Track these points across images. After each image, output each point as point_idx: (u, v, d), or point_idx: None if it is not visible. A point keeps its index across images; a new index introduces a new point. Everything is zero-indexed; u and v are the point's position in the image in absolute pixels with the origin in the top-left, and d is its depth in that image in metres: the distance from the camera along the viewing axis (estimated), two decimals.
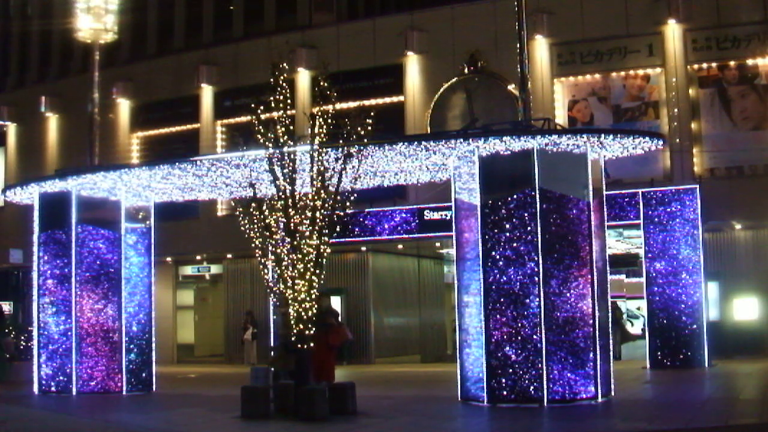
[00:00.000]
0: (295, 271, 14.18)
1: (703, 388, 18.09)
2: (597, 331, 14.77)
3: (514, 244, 14.79)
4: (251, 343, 27.70)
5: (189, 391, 19.76)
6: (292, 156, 14.34)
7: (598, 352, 14.72)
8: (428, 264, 31.31)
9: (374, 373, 21.28)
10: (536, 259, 14.64)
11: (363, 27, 29.26)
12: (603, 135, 15.54)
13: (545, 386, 14.42)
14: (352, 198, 14.73)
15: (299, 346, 14.28)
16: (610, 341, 20.39)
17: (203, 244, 30.03)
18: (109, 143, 29.99)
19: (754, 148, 24.64)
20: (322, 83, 14.46)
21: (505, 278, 14.78)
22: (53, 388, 18.64)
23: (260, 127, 14.41)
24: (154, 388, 19.32)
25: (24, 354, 24.49)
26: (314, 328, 14.58)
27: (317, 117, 14.33)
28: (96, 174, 18.49)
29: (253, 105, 14.48)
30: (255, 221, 14.76)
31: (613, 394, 15.27)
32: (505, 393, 14.62)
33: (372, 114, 14.54)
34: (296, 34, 29.58)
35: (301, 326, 14.22)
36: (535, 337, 14.52)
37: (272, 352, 16.67)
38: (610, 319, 20.83)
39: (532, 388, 14.49)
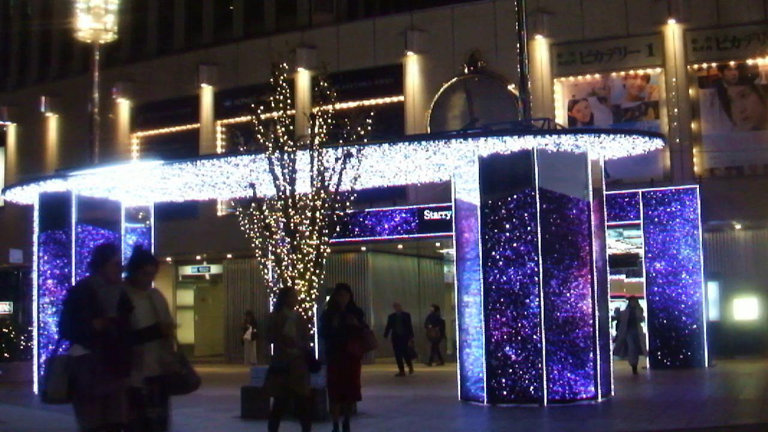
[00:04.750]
0: (295, 271, 14.18)
1: (703, 388, 18.09)
2: (597, 331, 14.76)
3: (514, 244, 14.78)
4: (251, 343, 27.68)
5: None
6: (292, 156, 14.34)
7: (598, 352, 14.71)
8: (428, 264, 31.28)
9: (374, 373, 21.23)
10: (536, 259, 14.63)
11: (363, 27, 29.23)
12: (603, 135, 15.53)
13: (545, 386, 14.41)
14: (352, 198, 14.73)
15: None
16: (628, 345, 20.43)
17: (203, 244, 30.00)
18: (109, 143, 29.98)
19: (754, 148, 24.62)
20: (322, 83, 14.47)
21: (505, 278, 14.78)
22: None
23: (260, 127, 14.41)
24: None
25: (24, 354, 24.45)
26: (334, 333, 11.87)
27: (317, 117, 14.33)
28: (96, 174, 18.49)
29: (253, 105, 14.48)
30: (255, 221, 14.75)
31: (613, 394, 15.27)
32: (505, 393, 14.62)
33: (372, 114, 14.55)
34: (296, 34, 29.54)
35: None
36: (535, 337, 14.51)
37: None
38: (627, 320, 20.86)
39: (532, 388, 14.49)
